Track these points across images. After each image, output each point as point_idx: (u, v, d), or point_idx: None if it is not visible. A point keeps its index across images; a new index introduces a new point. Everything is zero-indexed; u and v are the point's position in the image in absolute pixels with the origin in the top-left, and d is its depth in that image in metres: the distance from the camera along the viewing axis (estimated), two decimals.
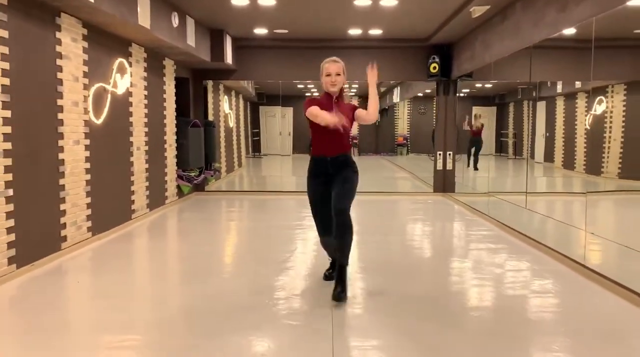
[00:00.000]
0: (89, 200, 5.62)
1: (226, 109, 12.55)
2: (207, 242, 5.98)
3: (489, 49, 7.17)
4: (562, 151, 14.40)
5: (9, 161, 4.26)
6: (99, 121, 5.85)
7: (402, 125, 19.84)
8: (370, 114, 3.79)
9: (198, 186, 9.56)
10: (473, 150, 12.68)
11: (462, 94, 20.35)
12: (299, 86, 16.44)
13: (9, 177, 4.26)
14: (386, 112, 19.70)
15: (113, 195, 6.22)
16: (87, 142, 5.58)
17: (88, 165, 5.59)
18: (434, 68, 9.03)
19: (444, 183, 9.48)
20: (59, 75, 5.03)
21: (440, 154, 9.46)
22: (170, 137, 8.26)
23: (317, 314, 3.49)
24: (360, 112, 3.88)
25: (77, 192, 5.39)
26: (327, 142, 3.80)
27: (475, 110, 17.70)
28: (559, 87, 13.66)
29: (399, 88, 14.98)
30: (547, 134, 15.44)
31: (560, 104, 14.48)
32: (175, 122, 8.48)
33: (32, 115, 4.62)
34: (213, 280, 4.36)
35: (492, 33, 7.03)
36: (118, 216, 6.37)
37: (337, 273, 3.78)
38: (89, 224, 5.64)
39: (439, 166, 9.49)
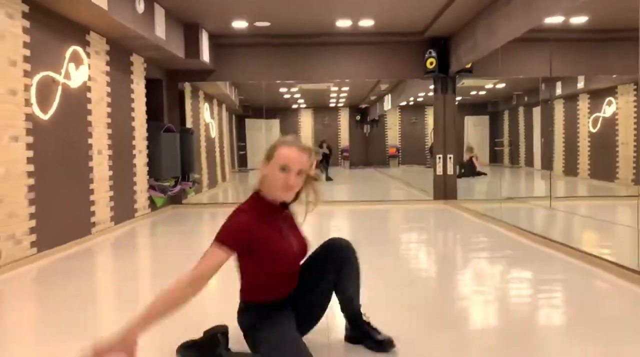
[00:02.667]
0: (32, 209, 4.66)
1: (207, 118, 11.67)
2: (185, 258, 5.03)
3: (493, 34, 6.36)
4: (563, 157, 13.67)
5: None
6: (46, 116, 4.92)
7: (394, 135, 19.10)
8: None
9: (174, 199, 8.61)
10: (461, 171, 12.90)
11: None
12: (285, 96, 15.66)
13: None
14: (376, 123, 18.94)
15: (66, 205, 5.27)
16: (29, 139, 4.64)
17: (31, 167, 4.65)
18: (431, 63, 8.23)
19: (445, 190, 8.61)
20: None
21: (439, 158, 8.61)
22: (140, 143, 7.33)
23: None
24: None
25: (15, 199, 4.43)
26: (284, 281, 2.32)
27: (469, 120, 17.20)
28: (559, 89, 12.99)
29: (390, 95, 14.19)
30: (543, 140, 14.79)
31: (559, 108, 13.79)
32: (146, 126, 7.57)
33: None
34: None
35: (496, 16, 6.22)
36: (73, 229, 5.40)
37: (360, 327, 2.47)
38: (33, 238, 4.67)
39: (439, 171, 8.63)
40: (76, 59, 5.47)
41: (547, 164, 13.93)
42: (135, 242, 6.12)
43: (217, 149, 12.81)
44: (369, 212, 7.79)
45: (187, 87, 9.71)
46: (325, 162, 15.26)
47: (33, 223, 4.67)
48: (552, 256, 4.58)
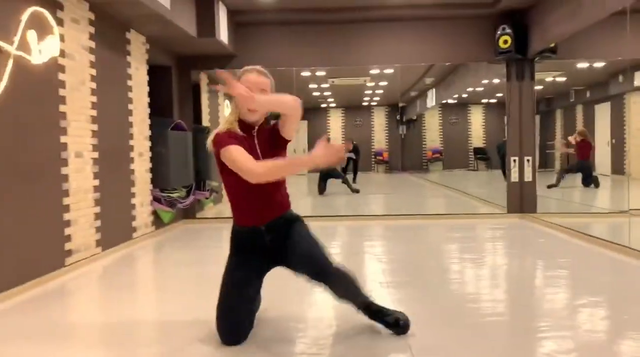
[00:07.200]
0: None
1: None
2: (191, 303, 3.36)
3: None
4: None
5: None
6: None
7: (433, 137, 17.27)
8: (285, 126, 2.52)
9: (186, 211, 7.00)
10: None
11: (492, 100, 17.77)
12: (314, 94, 14.01)
13: None
14: (413, 123, 17.14)
15: (23, 228, 3.66)
16: None
17: None
18: (505, 42, 6.46)
19: (522, 201, 6.81)
20: None
21: (515, 161, 6.82)
22: (141, 143, 5.73)
23: None
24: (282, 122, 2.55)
25: None
26: (257, 200, 2.48)
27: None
28: (637, 80, 11.03)
29: (434, 90, 12.41)
30: (614, 141, 12.78)
31: (635, 101, 11.81)
32: (148, 123, 5.98)
33: None
34: None
35: None
36: (37, 264, 3.80)
37: (372, 313, 2.57)
38: None
39: (514, 178, 6.84)
40: (39, 25, 3.87)
41: (619, 167, 12.02)
42: (130, 273, 4.49)
43: None
44: (426, 229, 6.06)
45: (204, 79, 8.14)
46: (352, 166, 12.96)
47: None
48: None
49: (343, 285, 2.50)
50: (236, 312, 2.46)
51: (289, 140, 2.56)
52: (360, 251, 5.08)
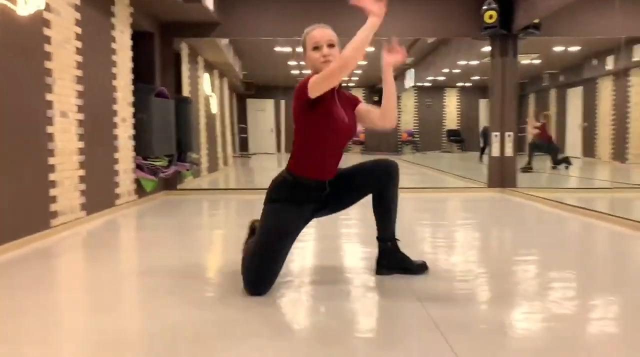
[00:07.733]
0: None
1: (207, 91, 9.92)
2: (177, 261, 3.30)
3: None
4: (612, 142, 11.97)
5: None
6: None
7: (407, 119, 17.38)
8: (388, 114, 2.57)
9: (168, 183, 6.88)
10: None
11: (468, 84, 17.85)
12: (293, 72, 13.89)
13: None
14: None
15: (6, 187, 3.53)
16: None
17: None
18: (490, 17, 6.50)
19: (502, 175, 6.93)
20: None
21: (496, 136, 6.92)
22: (124, 109, 5.58)
23: None
24: (367, 109, 2.65)
25: None
26: (332, 158, 2.57)
27: (485, 104, 15.44)
28: (609, 65, 11.28)
29: (412, 70, 12.46)
30: (586, 124, 13.06)
31: (607, 86, 12.08)
32: (132, 88, 5.82)
33: None
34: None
35: None
36: (22, 224, 3.67)
37: (391, 254, 2.72)
38: None
39: (495, 152, 6.94)
40: None
41: (589, 150, 12.32)
42: (113, 237, 4.39)
43: (219, 128, 11.06)
44: (416, 203, 6.13)
45: (184, 50, 7.97)
46: None
47: None
48: None
49: (393, 190, 2.63)
50: (275, 263, 2.42)
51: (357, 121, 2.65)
52: (343, 216, 5.09)
